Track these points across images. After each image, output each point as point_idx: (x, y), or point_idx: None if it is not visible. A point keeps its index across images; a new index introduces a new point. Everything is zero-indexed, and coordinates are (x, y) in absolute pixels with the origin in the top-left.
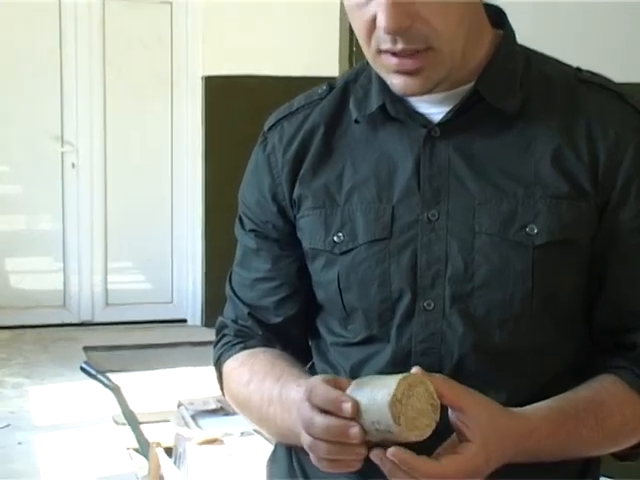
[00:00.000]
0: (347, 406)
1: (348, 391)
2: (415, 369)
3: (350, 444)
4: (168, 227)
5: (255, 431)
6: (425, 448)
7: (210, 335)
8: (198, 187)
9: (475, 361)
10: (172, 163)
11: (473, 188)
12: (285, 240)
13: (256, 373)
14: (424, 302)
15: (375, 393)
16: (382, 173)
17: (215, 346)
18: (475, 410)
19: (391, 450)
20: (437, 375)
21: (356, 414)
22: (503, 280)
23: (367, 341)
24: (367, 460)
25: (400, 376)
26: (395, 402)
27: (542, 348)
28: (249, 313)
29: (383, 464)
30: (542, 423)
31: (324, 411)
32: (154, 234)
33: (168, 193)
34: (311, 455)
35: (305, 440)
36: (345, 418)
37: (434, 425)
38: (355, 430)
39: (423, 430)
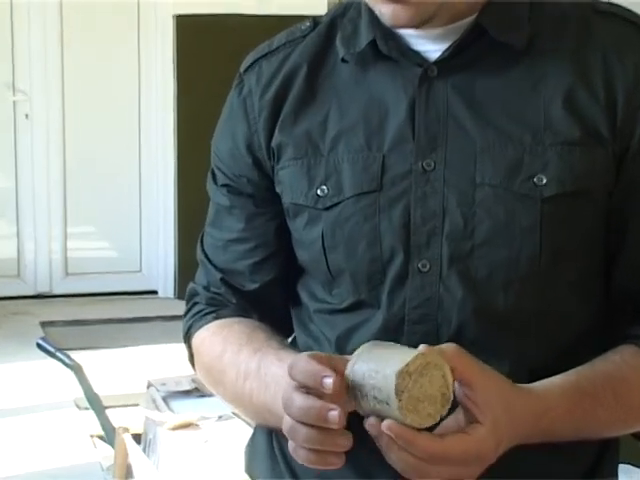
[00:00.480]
0: (329, 381)
1: (358, 351)
2: (422, 347)
3: (331, 432)
4: (136, 186)
5: (234, 414)
6: None
7: (184, 308)
8: (169, 140)
9: (476, 328)
10: (140, 113)
11: (474, 133)
12: (261, 196)
13: (230, 344)
14: (418, 263)
15: (387, 357)
16: (372, 118)
17: (185, 316)
18: (486, 387)
19: (386, 423)
20: (450, 345)
21: (339, 390)
22: (507, 237)
23: (355, 307)
24: (363, 458)
25: (422, 349)
26: (404, 373)
27: (552, 313)
28: (222, 279)
29: (379, 436)
30: (557, 402)
31: (307, 391)
32: (120, 194)
33: (135, 147)
34: (289, 444)
35: (285, 423)
36: (328, 397)
37: (437, 419)
38: (335, 414)
39: (423, 418)
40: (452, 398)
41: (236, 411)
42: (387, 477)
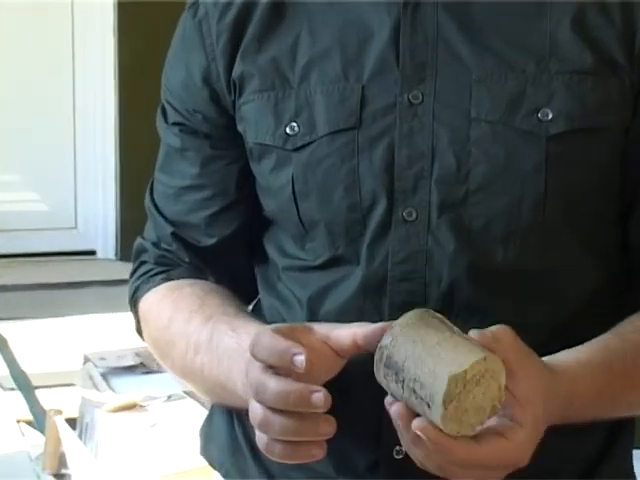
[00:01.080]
0: (300, 359)
1: (404, 320)
2: (476, 334)
3: (311, 418)
4: (69, 127)
5: (186, 393)
6: None
7: (127, 271)
8: (109, 74)
9: (470, 288)
10: (73, 37)
11: (469, 60)
12: (219, 136)
13: (180, 310)
14: (403, 211)
15: (440, 347)
16: (349, 43)
17: (131, 277)
18: (528, 380)
19: (420, 424)
20: (506, 330)
21: (312, 368)
22: (508, 181)
23: (331, 264)
24: (338, 438)
25: (482, 352)
26: (459, 380)
27: (559, 271)
28: (173, 233)
29: (404, 430)
30: (587, 386)
31: (275, 371)
32: (50, 137)
33: (68, 80)
34: (260, 439)
35: (254, 413)
36: (296, 376)
37: (476, 430)
38: (320, 395)
39: (463, 428)
40: (499, 408)
41: (189, 387)
42: (368, 459)
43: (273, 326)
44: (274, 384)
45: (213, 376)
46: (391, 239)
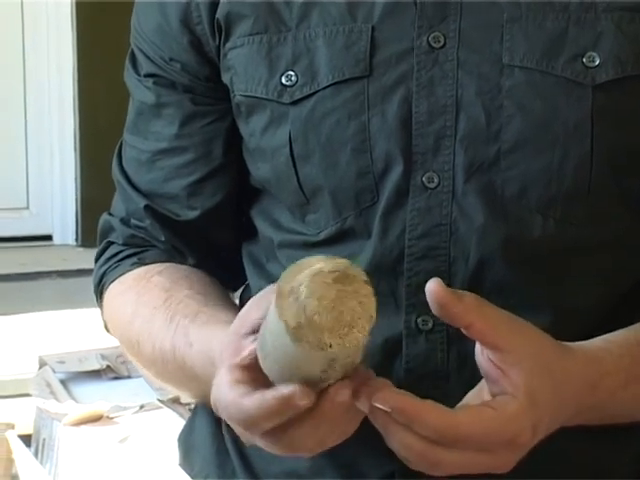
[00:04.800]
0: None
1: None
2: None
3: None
4: (19, 90)
5: (162, 402)
6: None
7: (89, 259)
8: (65, 25)
9: (503, 267)
10: None
11: None
12: (201, 89)
13: (143, 306)
14: (423, 176)
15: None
16: None
17: (97, 260)
18: (518, 348)
19: (378, 395)
20: (467, 294)
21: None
22: (547, 139)
23: (337, 238)
24: (344, 445)
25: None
26: (283, 295)
27: (609, 245)
28: (147, 207)
29: (374, 417)
30: (616, 365)
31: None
32: None
33: (18, 38)
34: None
35: (263, 444)
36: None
37: (368, 326)
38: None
39: (347, 330)
40: (373, 301)
41: (165, 395)
42: (381, 471)
43: (232, 367)
44: (249, 405)
45: (191, 392)
46: (409, 209)
